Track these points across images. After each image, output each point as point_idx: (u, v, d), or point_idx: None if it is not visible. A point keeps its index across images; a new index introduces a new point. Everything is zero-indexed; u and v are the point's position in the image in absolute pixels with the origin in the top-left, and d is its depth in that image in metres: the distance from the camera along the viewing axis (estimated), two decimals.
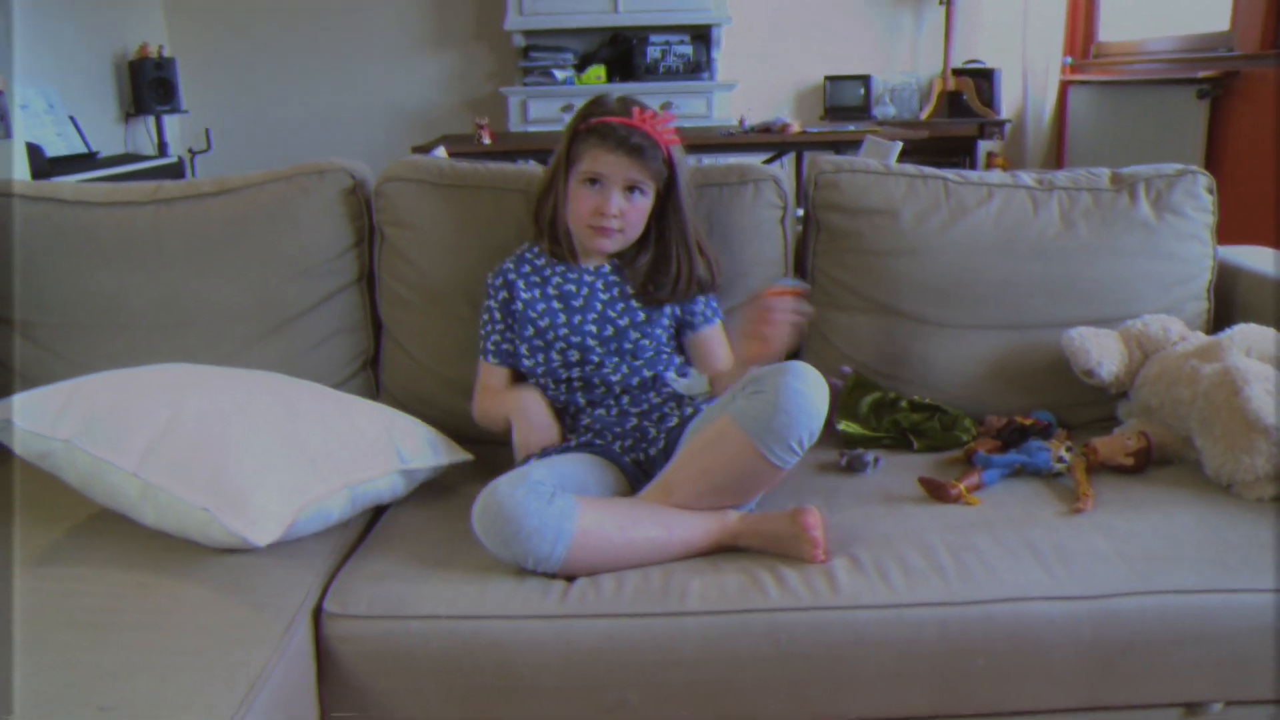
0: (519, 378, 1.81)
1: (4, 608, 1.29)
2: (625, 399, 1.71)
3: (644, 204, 1.71)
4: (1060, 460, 1.67)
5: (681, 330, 1.80)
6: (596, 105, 1.71)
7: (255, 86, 5.75)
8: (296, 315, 1.90)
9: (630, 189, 1.69)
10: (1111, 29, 5.30)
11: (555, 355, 1.74)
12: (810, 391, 1.43)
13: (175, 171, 4.87)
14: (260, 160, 5.61)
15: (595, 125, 1.67)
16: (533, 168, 1.95)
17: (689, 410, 1.70)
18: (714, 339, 1.80)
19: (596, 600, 1.37)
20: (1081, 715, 1.43)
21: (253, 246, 1.89)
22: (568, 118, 4.65)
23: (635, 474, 1.63)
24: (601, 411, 1.71)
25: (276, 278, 1.89)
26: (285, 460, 1.44)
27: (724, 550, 1.47)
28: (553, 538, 1.38)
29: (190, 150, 5.54)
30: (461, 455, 1.71)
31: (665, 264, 1.74)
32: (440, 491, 1.68)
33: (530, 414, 1.70)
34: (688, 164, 1.77)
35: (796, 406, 1.41)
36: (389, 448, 1.59)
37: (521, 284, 1.77)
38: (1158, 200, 1.95)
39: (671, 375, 1.77)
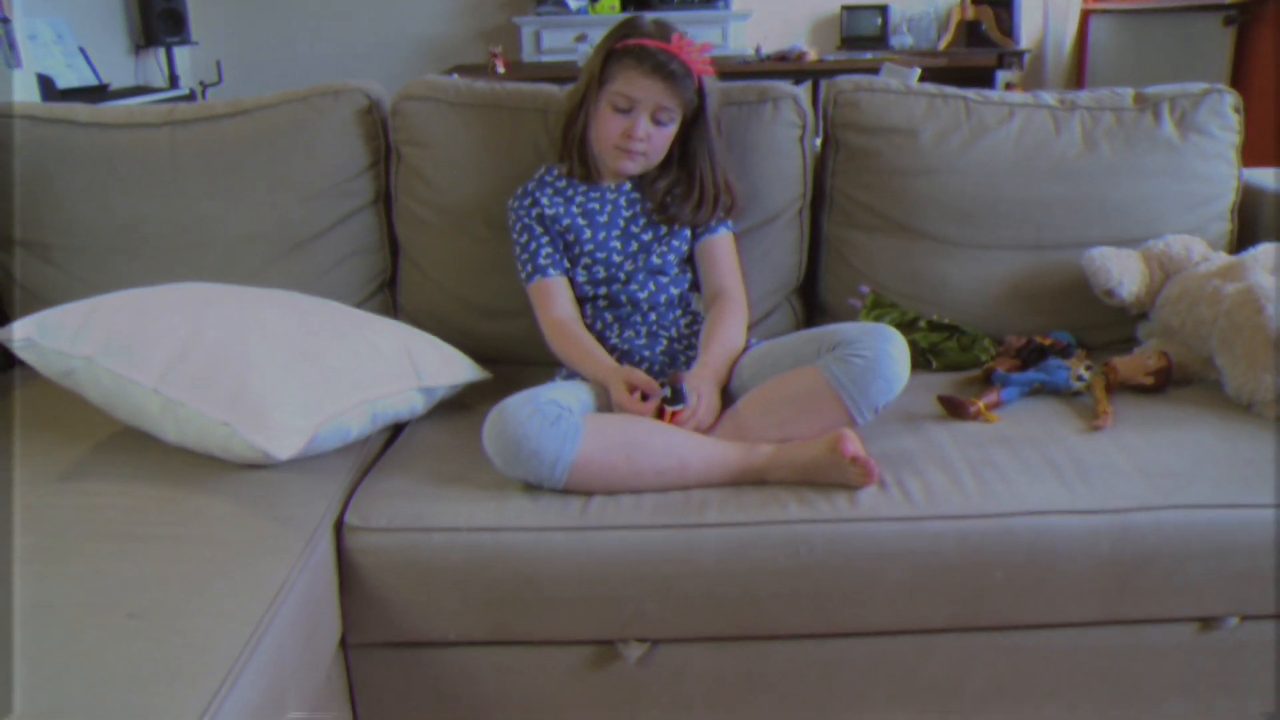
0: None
1: (34, 520, 1.30)
2: (653, 316, 1.71)
3: (669, 131, 1.70)
4: (1079, 379, 1.66)
5: (693, 236, 1.79)
6: (632, 26, 1.69)
7: (266, 17, 5.68)
8: (313, 236, 1.89)
9: (658, 115, 1.67)
10: None
11: (581, 272, 1.73)
12: (904, 358, 1.47)
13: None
14: (279, 83, 5.55)
15: (632, 47, 1.66)
16: (549, 88, 1.92)
17: None
18: (722, 247, 1.77)
19: (615, 512, 1.37)
20: (1098, 629, 1.43)
21: (268, 168, 1.87)
22: (582, 48, 4.61)
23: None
24: (631, 333, 1.70)
25: (293, 199, 1.87)
26: (304, 376, 1.44)
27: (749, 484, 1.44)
28: (552, 461, 1.37)
29: (202, 83, 5.48)
30: (480, 374, 1.71)
31: (687, 190, 1.73)
32: (459, 409, 1.68)
33: (625, 399, 1.54)
34: (718, 94, 1.75)
35: (894, 374, 1.45)
36: (407, 366, 1.59)
37: (546, 200, 1.75)
38: (1182, 119, 1.92)
39: (696, 296, 1.76)
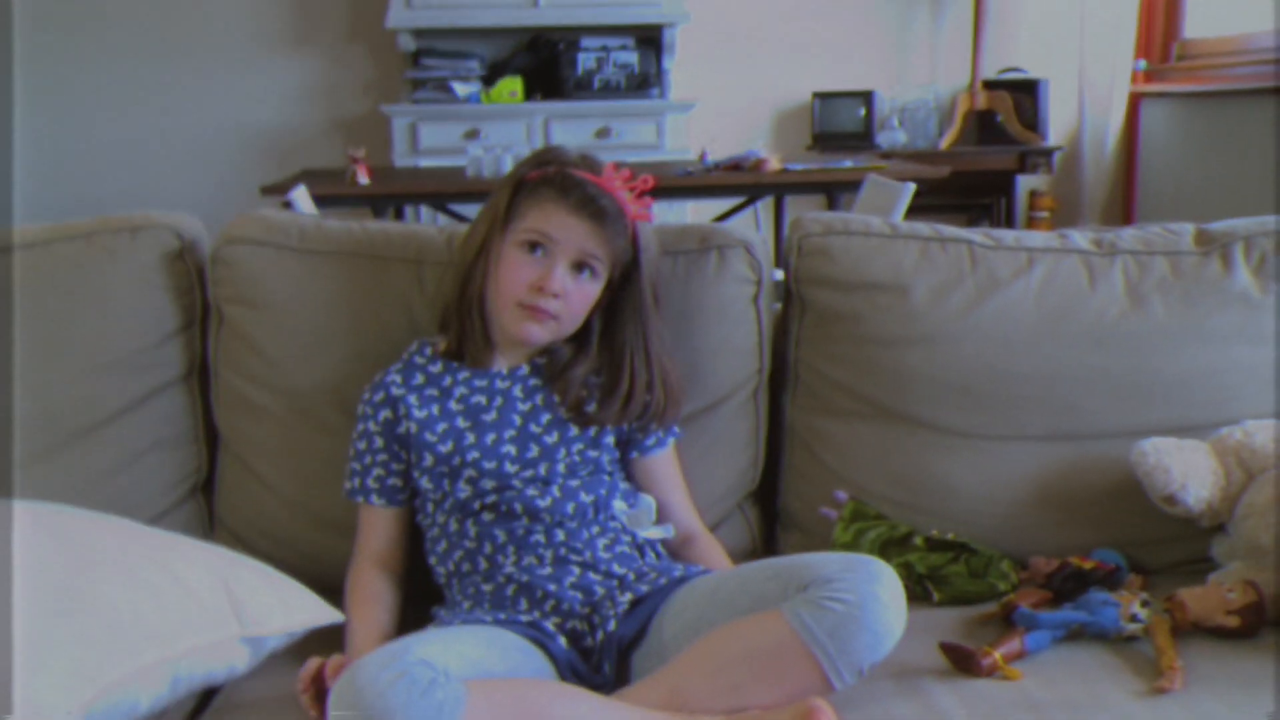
0: (410, 519, 1.83)
1: None
2: (560, 535, 1.72)
3: (591, 290, 1.76)
4: (1134, 619, 1.67)
5: (624, 447, 1.84)
6: (552, 154, 1.78)
7: (30, 86, 5.68)
8: (98, 424, 1.89)
9: (580, 266, 1.73)
10: (1202, 22, 5.31)
11: (464, 485, 1.75)
12: (897, 604, 1.49)
13: None
14: (48, 197, 5.57)
15: (553, 175, 1.74)
16: (426, 231, 1.97)
17: (655, 572, 1.70)
18: (666, 467, 1.85)
19: None
20: None
21: (35, 330, 1.88)
22: (471, 147, 4.73)
23: (573, 661, 1.61)
24: (531, 559, 1.71)
25: (70, 373, 1.88)
26: (71, 630, 1.42)
27: None
28: None
29: None
30: (329, 615, 1.69)
31: (612, 382, 1.79)
32: (299, 665, 1.64)
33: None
34: (656, 249, 1.83)
35: (883, 625, 1.47)
36: (225, 607, 1.57)
37: (414, 399, 1.79)
38: (1262, 265, 1.99)
39: (617, 503, 1.79)
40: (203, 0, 5.68)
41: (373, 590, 1.76)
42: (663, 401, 1.81)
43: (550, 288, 1.71)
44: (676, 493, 1.88)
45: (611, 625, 1.62)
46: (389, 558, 1.81)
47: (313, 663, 1.58)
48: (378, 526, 1.81)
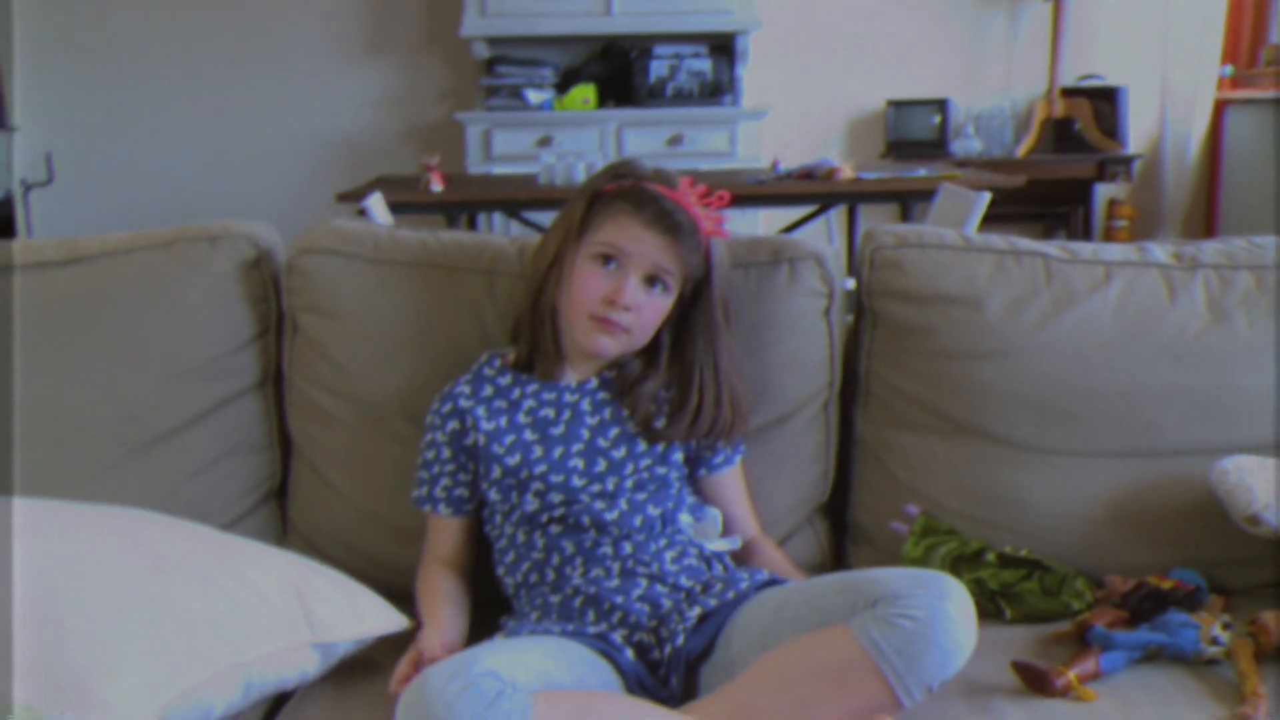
0: (477, 529, 1.84)
1: None
2: (627, 548, 1.73)
3: (663, 304, 1.77)
4: (1214, 642, 1.65)
5: (692, 465, 1.85)
6: (627, 167, 1.80)
7: (118, 98, 5.79)
8: (175, 429, 1.92)
9: (652, 280, 1.75)
10: None
11: (531, 499, 1.76)
12: (968, 621, 1.49)
13: (0, 213, 4.85)
14: (122, 202, 5.66)
15: (628, 188, 1.75)
16: (498, 241, 1.99)
17: (722, 585, 1.70)
18: (733, 483, 1.86)
19: None
20: None
21: (115, 336, 1.91)
22: (545, 154, 4.75)
23: (640, 674, 1.61)
24: (599, 571, 1.72)
25: (147, 380, 1.91)
26: (148, 634, 1.44)
27: None
28: None
29: (24, 183, 5.53)
30: (398, 621, 1.71)
31: (684, 395, 1.79)
32: (368, 672, 1.67)
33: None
34: (727, 266, 1.83)
35: (954, 642, 1.46)
36: (297, 613, 1.59)
37: (482, 411, 1.80)
38: None
39: (684, 516, 1.79)
40: (280, 10, 5.76)
41: (444, 587, 1.78)
42: (730, 419, 1.81)
43: (622, 301, 1.72)
44: (741, 507, 1.89)
45: (680, 640, 1.62)
46: (456, 562, 1.83)
47: (405, 666, 1.59)
48: (445, 535, 1.83)
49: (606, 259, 1.74)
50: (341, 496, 1.94)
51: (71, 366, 1.91)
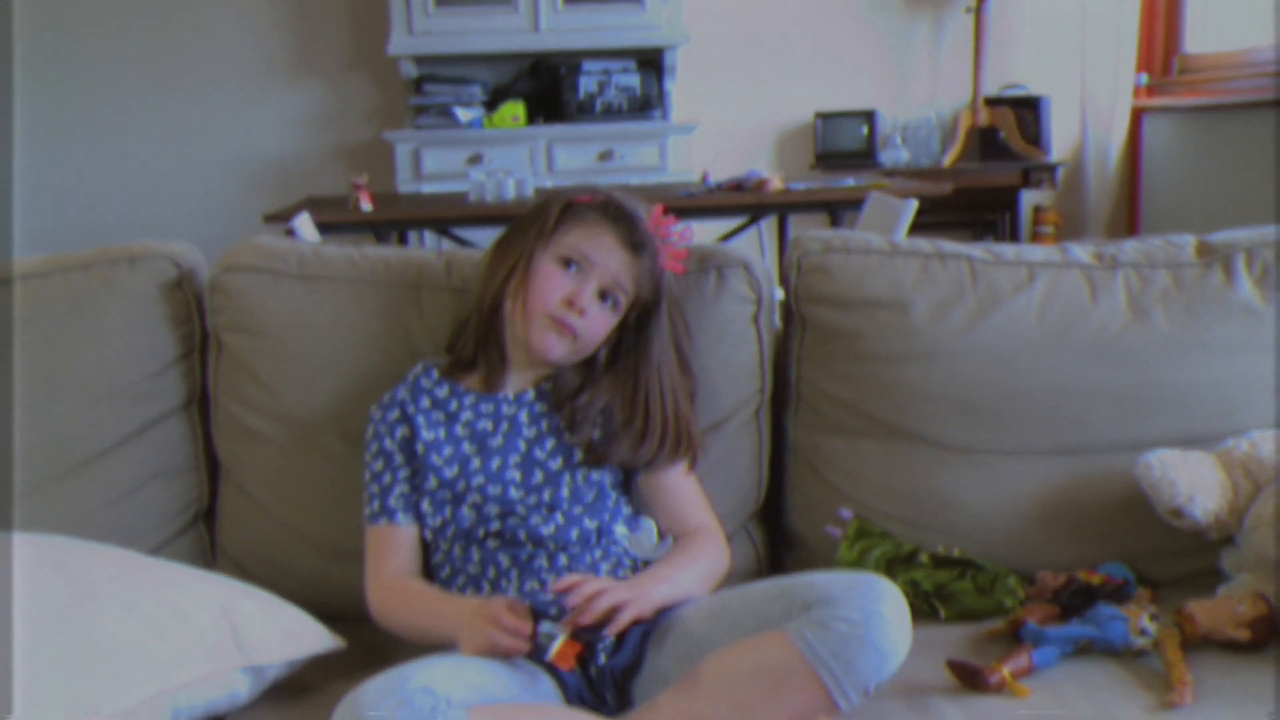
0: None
1: None
2: (563, 559, 1.73)
3: (609, 320, 1.80)
4: (1143, 633, 1.67)
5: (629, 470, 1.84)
6: (598, 189, 1.85)
7: (38, 119, 5.71)
8: (98, 454, 1.90)
9: (604, 295, 1.78)
10: (1202, 36, 5.34)
11: (467, 511, 1.76)
12: (903, 622, 1.50)
13: None
14: (41, 228, 5.60)
15: (605, 202, 1.81)
16: (424, 255, 1.98)
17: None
18: (678, 486, 1.84)
19: None
20: None
21: (35, 361, 1.89)
22: (474, 172, 4.73)
23: (580, 687, 1.61)
24: (533, 583, 1.71)
25: (69, 403, 1.89)
26: (72, 663, 1.42)
27: None
28: None
29: None
30: (330, 642, 1.70)
31: (628, 419, 1.80)
32: (299, 693, 1.66)
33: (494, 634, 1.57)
34: (677, 301, 1.86)
35: (889, 644, 1.47)
36: (226, 636, 1.58)
37: (422, 420, 1.80)
38: (1264, 276, 2.00)
39: (619, 528, 1.79)
40: (206, 30, 5.72)
41: (419, 584, 1.76)
42: (672, 446, 1.81)
43: (579, 303, 1.75)
44: (688, 501, 1.85)
45: (601, 659, 1.62)
46: (413, 576, 1.79)
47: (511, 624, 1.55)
48: (399, 548, 1.78)
49: (568, 263, 1.77)
50: (271, 517, 1.92)
51: None
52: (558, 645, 1.53)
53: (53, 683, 1.39)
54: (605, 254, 1.77)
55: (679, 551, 1.78)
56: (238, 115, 5.79)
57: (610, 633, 1.56)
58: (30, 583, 1.50)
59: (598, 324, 1.78)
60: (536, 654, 1.53)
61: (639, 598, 1.59)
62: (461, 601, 1.68)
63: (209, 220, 5.47)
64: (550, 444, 1.80)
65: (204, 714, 1.57)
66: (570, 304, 1.75)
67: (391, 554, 1.78)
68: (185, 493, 1.96)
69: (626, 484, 1.85)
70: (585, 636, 1.56)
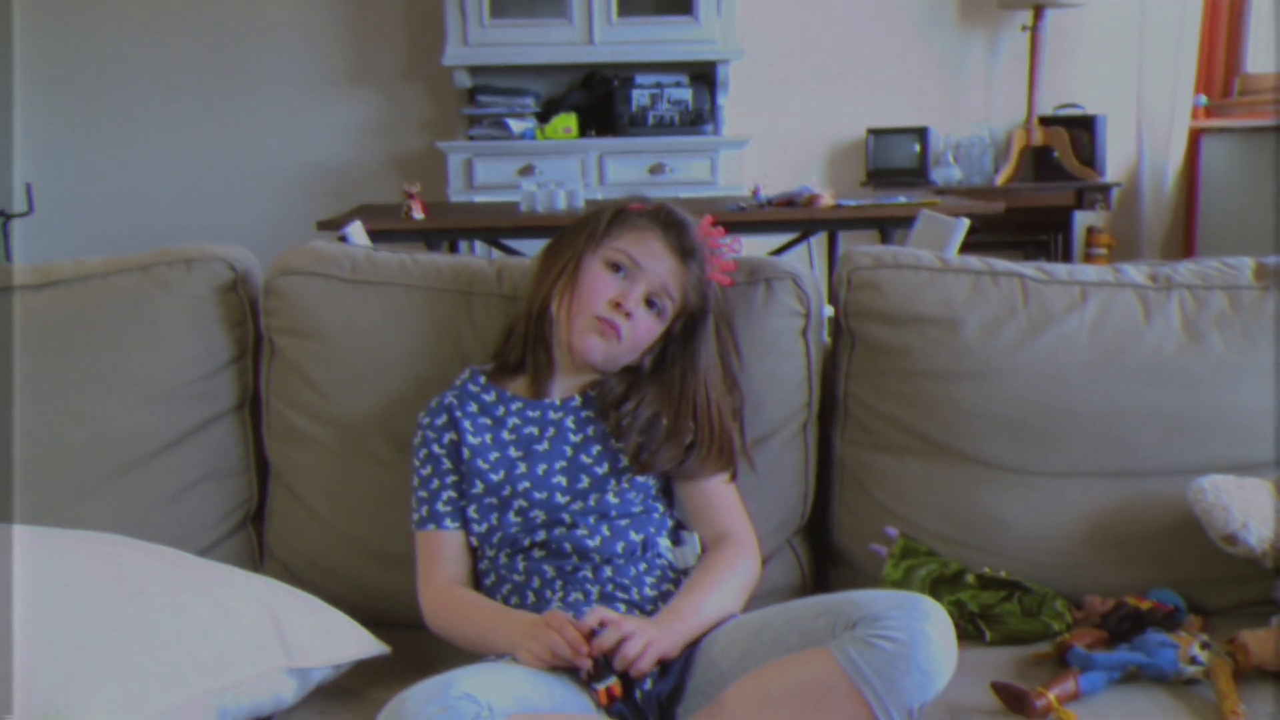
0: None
1: None
2: (607, 571, 1.73)
3: (655, 326, 1.81)
4: (1193, 661, 1.65)
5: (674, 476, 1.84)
6: (649, 199, 1.88)
7: (100, 128, 5.80)
8: (151, 454, 1.91)
9: (650, 302, 1.80)
10: (1263, 56, 5.29)
11: (513, 517, 1.76)
12: (948, 642, 1.49)
13: None
14: (102, 233, 5.67)
15: (658, 210, 1.84)
16: (477, 263, 1.99)
17: None
18: (715, 492, 1.83)
19: None
20: None
21: (91, 361, 1.91)
22: (525, 183, 4.76)
23: (619, 708, 1.59)
24: (578, 594, 1.71)
25: (124, 404, 1.91)
26: (121, 659, 1.43)
27: None
28: None
29: (3, 214, 5.53)
30: (375, 647, 1.70)
31: (674, 425, 1.80)
32: (344, 697, 1.67)
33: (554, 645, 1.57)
34: (726, 313, 1.87)
35: (934, 664, 1.46)
36: (272, 638, 1.59)
37: (469, 425, 1.81)
38: None
39: (664, 541, 1.79)
40: (265, 39, 5.78)
41: (473, 595, 1.77)
42: (716, 455, 1.81)
43: (626, 305, 1.76)
44: (725, 507, 1.84)
45: (648, 684, 1.61)
46: (464, 583, 1.80)
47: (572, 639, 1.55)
48: (449, 553, 1.79)
49: (617, 267, 1.79)
50: (319, 520, 1.93)
51: (47, 391, 1.90)
52: (609, 683, 1.54)
53: (103, 678, 1.41)
54: (654, 259, 1.79)
55: (704, 573, 1.76)
56: (294, 123, 5.84)
57: (636, 674, 1.57)
58: (82, 580, 1.51)
59: (642, 328, 1.79)
60: (586, 679, 1.55)
61: (662, 637, 1.59)
62: (520, 613, 1.68)
63: (265, 226, 5.52)
64: (596, 450, 1.80)
65: (249, 715, 1.57)
66: (616, 306, 1.77)
67: (442, 560, 1.79)
68: (235, 494, 1.98)
69: (668, 489, 1.85)
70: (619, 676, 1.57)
